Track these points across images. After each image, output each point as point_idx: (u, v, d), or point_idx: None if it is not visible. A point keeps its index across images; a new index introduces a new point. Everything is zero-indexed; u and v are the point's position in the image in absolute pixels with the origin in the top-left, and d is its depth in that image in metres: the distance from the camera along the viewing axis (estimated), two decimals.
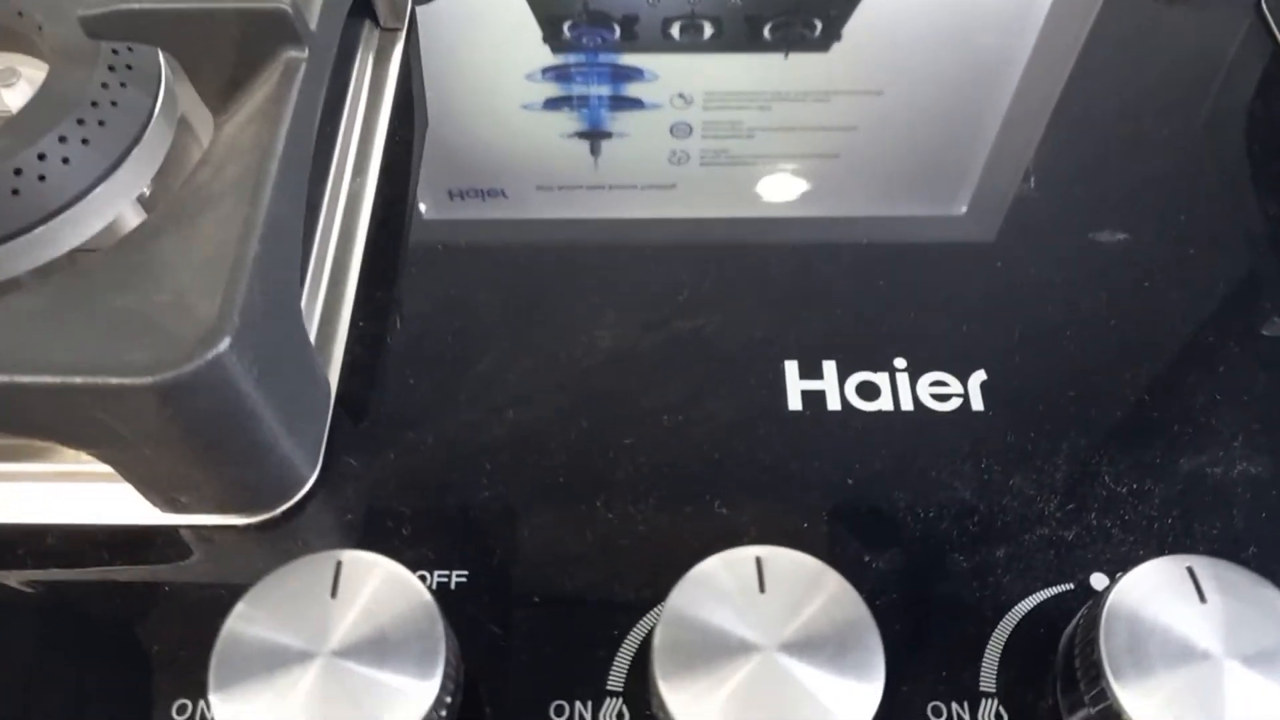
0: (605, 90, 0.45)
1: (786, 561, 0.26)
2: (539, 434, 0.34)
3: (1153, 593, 0.26)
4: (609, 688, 0.30)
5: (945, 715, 0.29)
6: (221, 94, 0.34)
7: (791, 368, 0.36)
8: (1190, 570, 0.26)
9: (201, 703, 0.29)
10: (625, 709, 0.29)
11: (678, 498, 0.33)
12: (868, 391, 0.35)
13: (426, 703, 0.24)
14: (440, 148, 0.43)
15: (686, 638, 0.25)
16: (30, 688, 0.30)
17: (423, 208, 0.41)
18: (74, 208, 0.33)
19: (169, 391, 0.27)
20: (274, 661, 0.25)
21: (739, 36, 0.47)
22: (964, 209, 0.41)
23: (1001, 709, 0.29)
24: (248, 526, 0.32)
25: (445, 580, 0.31)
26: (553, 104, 0.44)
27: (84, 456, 0.32)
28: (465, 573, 0.31)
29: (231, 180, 0.30)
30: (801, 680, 0.25)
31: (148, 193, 0.36)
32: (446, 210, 0.41)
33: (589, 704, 0.29)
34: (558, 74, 0.45)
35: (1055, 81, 0.45)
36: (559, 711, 0.29)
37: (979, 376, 0.36)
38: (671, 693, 0.25)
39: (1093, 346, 0.37)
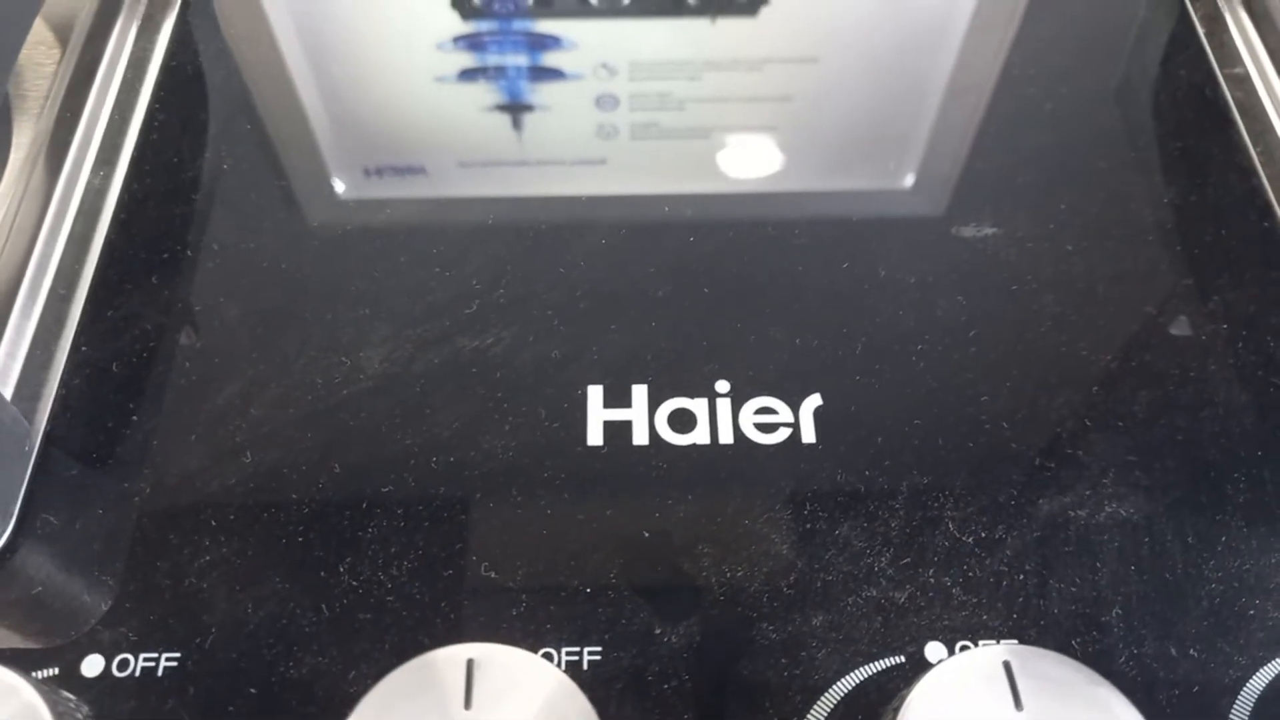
0: (523, 60, 0.41)
1: (501, 662, 0.21)
2: (280, 481, 0.29)
3: (958, 697, 0.21)
4: None
5: None
6: None
7: (595, 394, 0.31)
8: (1007, 666, 0.21)
9: None
10: None
11: (438, 560, 0.28)
12: (682, 421, 0.30)
13: None
14: (350, 122, 0.39)
15: None
16: None
17: (337, 185, 0.36)
18: None
19: None
20: None
21: (661, 1, 0.42)
22: (909, 183, 0.37)
23: None
24: None
25: (152, 664, 0.26)
26: (468, 75, 0.40)
27: None
28: (176, 655, 0.26)
29: None
30: None
31: None
32: (363, 189, 0.37)
33: None
34: (470, 43, 0.41)
35: (999, 47, 0.41)
36: None
37: (813, 402, 0.31)
38: None
39: (947, 362, 0.31)
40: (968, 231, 0.34)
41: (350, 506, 0.28)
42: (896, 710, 0.22)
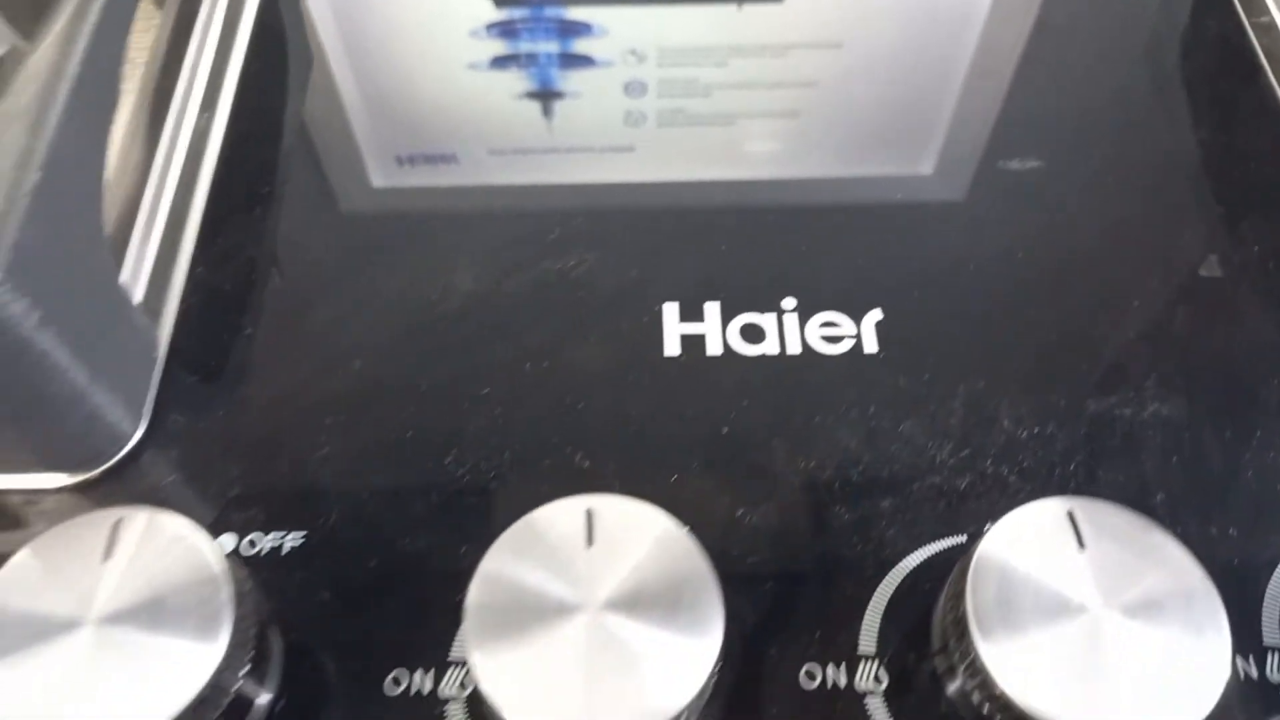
0: (554, 47, 0.42)
1: (618, 511, 0.23)
2: (387, 386, 0.31)
3: (1027, 540, 0.24)
4: (451, 658, 0.27)
5: (820, 679, 0.27)
6: (28, 18, 0.31)
7: (671, 310, 0.33)
8: (1070, 514, 0.24)
9: None
10: (468, 679, 0.27)
11: (536, 451, 0.30)
12: (752, 334, 0.33)
13: (209, 668, 0.22)
14: (384, 109, 0.40)
15: (500, 600, 0.22)
16: None
17: (371, 173, 0.38)
18: None
19: None
20: (37, 633, 0.22)
21: None
22: (930, 169, 0.38)
23: (881, 671, 0.27)
24: (63, 488, 0.29)
25: (278, 544, 0.28)
26: (500, 62, 0.41)
27: None
28: (302, 534, 0.29)
29: (19, 109, 0.27)
30: (626, 640, 0.22)
31: None
32: (396, 177, 0.38)
33: (430, 674, 0.27)
34: (503, 30, 0.42)
35: (1020, 30, 0.42)
36: (396, 682, 0.27)
37: (874, 316, 0.33)
38: (482, 661, 0.22)
39: (997, 282, 0.34)
40: (1014, 165, 0.37)
41: (452, 406, 0.31)
42: (970, 558, 0.24)
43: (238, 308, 0.33)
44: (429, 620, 0.27)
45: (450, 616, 0.27)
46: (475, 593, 0.23)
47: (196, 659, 0.22)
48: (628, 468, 0.30)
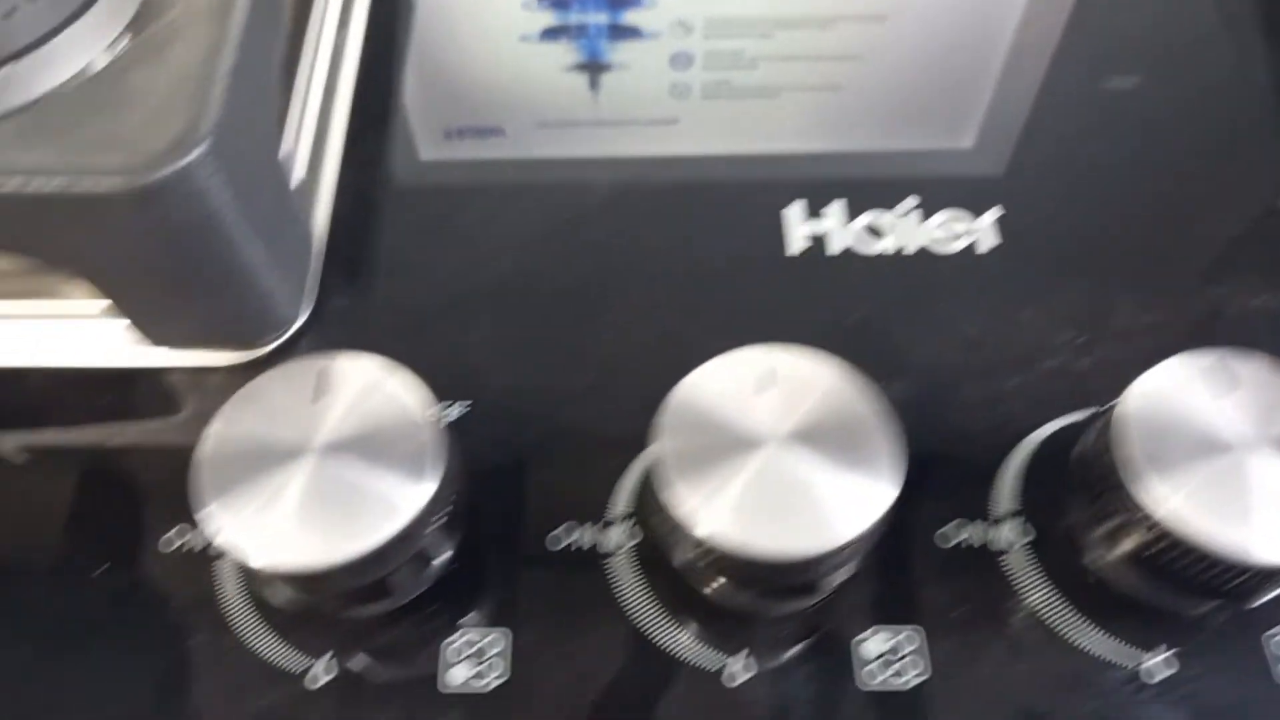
0: (604, 18, 0.42)
1: (797, 358, 0.25)
2: (535, 275, 0.33)
3: (1174, 387, 0.25)
4: (616, 512, 0.29)
5: (956, 540, 0.28)
6: None
7: (795, 209, 0.35)
8: (1218, 360, 0.25)
9: (187, 535, 0.28)
10: (634, 531, 0.28)
11: (677, 336, 0.32)
12: (875, 232, 0.34)
13: (421, 501, 0.23)
14: (436, 81, 0.40)
15: (687, 437, 0.24)
16: (15, 529, 0.29)
17: (420, 147, 0.38)
18: (41, 49, 0.32)
19: (139, 198, 0.25)
20: (260, 463, 0.24)
21: None
22: (970, 143, 0.38)
23: (1027, 524, 0.28)
24: (234, 367, 0.31)
25: (444, 412, 0.30)
26: (550, 34, 0.41)
27: (68, 296, 0.31)
28: (468, 402, 0.30)
29: (203, 8, 0.29)
30: (813, 475, 0.24)
31: (123, 41, 0.34)
32: (444, 150, 0.38)
33: (597, 528, 0.28)
34: (554, 0, 0.42)
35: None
36: (567, 533, 0.28)
37: (994, 213, 0.35)
38: (676, 497, 0.24)
39: (1115, 183, 0.35)
40: (1115, 83, 0.38)
41: (598, 296, 0.33)
42: (1108, 411, 0.25)
43: (384, 207, 0.35)
44: (589, 481, 0.29)
45: (612, 475, 0.29)
46: (662, 432, 0.24)
47: (410, 493, 0.23)
48: None
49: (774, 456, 0.24)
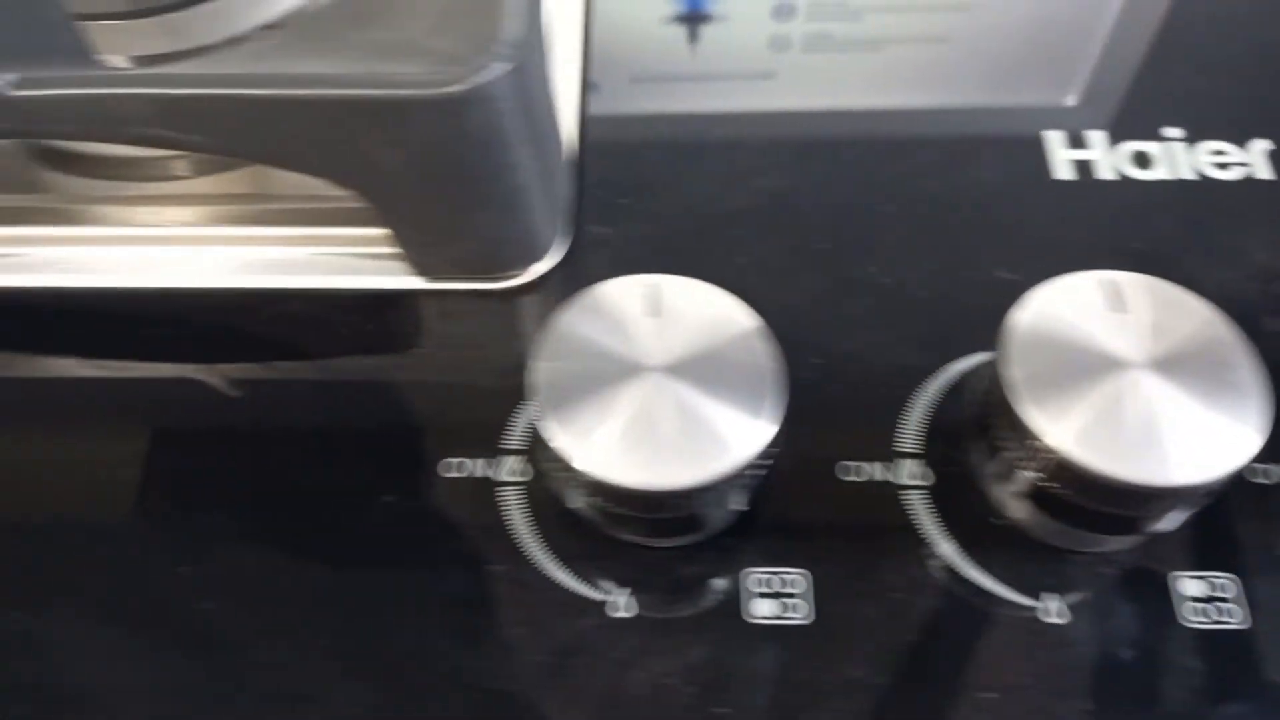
0: None
1: (1144, 283, 0.24)
2: (792, 201, 0.32)
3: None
4: (902, 450, 0.28)
5: None
6: None
7: (1055, 137, 0.33)
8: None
9: (472, 461, 0.28)
10: (923, 469, 0.27)
11: (952, 263, 0.31)
12: (1141, 161, 0.33)
13: (763, 440, 0.22)
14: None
15: (1038, 357, 0.23)
16: (289, 439, 0.28)
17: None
18: None
19: (455, 105, 0.25)
20: (597, 376, 0.23)
21: None
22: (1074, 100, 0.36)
23: None
24: (498, 292, 0.30)
25: None
26: None
27: (326, 222, 0.31)
28: None
29: None
30: (1171, 404, 0.22)
31: None
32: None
33: (880, 463, 0.28)
34: None
35: None
36: (851, 471, 0.27)
37: (1263, 145, 0.33)
38: (1031, 414, 0.23)
39: None
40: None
41: (862, 222, 0.31)
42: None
43: (633, 124, 0.34)
44: (876, 416, 0.28)
45: (894, 412, 0.28)
46: (1011, 350, 0.23)
47: (747, 431, 0.23)
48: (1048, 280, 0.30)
49: (1134, 382, 0.23)
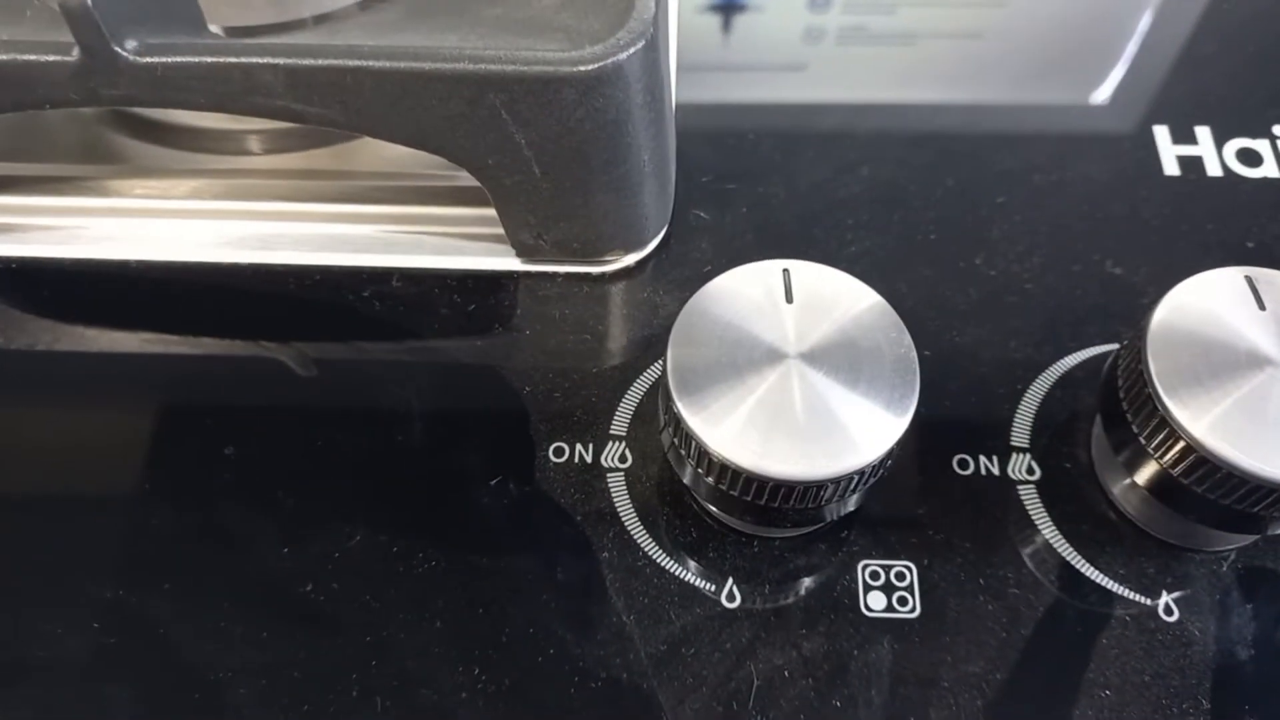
0: None
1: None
2: (899, 189, 0.32)
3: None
4: (1014, 443, 0.27)
5: None
6: None
7: (1161, 132, 0.33)
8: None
9: (578, 446, 0.27)
10: (1035, 464, 0.27)
11: (1062, 257, 0.30)
12: (1249, 158, 0.32)
13: (896, 434, 0.22)
14: None
15: (1181, 352, 0.23)
16: (396, 421, 0.28)
17: None
18: None
19: (587, 86, 0.24)
20: (738, 360, 0.22)
21: None
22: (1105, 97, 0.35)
23: None
24: (602, 275, 0.30)
25: None
26: None
27: (425, 202, 0.30)
28: None
29: None
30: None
31: None
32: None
33: (995, 458, 0.27)
34: None
35: None
36: (962, 465, 0.27)
37: None
38: (1176, 405, 0.22)
39: None
40: None
41: (972, 212, 0.31)
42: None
43: (730, 110, 0.33)
44: (990, 409, 0.28)
45: (1008, 405, 0.28)
46: (1156, 342, 0.23)
47: (892, 418, 0.22)
48: (1161, 276, 0.30)
49: (1276, 378, 0.22)
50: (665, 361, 0.23)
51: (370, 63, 0.24)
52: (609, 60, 0.24)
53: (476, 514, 0.27)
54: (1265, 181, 0.32)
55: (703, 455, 0.22)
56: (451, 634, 0.25)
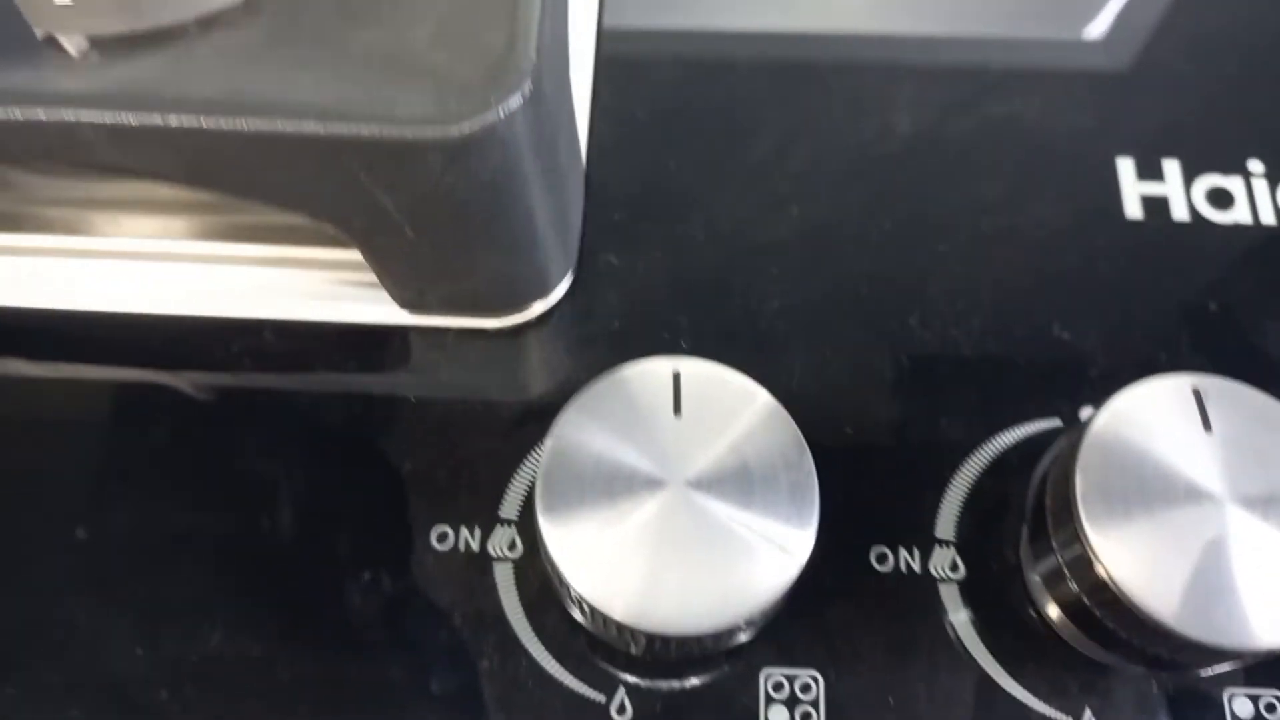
0: None
1: (1234, 398, 0.21)
2: (832, 234, 0.29)
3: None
4: (939, 535, 0.25)
5: None
6: None
7: (1125, 166, 0.30)
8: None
9: (464, 531, 0.25)
10: (958, 560, 0.25)
11: (1006, 317, 0.27)
12: (1220, 199, 0.29)
13: (804, 554, 0.20)
14: None
15: (1115, 477, 0.20)
16: (261, 499, 0.25)
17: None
18: None
19: (455, 151, 0.21)
20: (614, 485, 0.20)
21: None
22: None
23: None
24: (498, 331, 0.27)
25: None
26: None
27: (308, 242, 0.27)
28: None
29: None
30: (1262, 545, 0.20)
31: None
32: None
33: (915, 550, 0.25)
34: None
35: None
36: (881, 559, 0.25)
37: None
38: (1097, 534, 0.20)
39: None
40: None
41: (909, 263, 0.28)
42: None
43: (652, 136, 0.30)
44: (912, 495, 0.25)
45: (934, 491, 0.26)
46: (1087, 458, 0.20)
47: (792, 544, 0.20)
48: (1112, 342, 0.27)
49: (1215, 509, 0.20)
50: (535, 485, 0.20)
51: (203, 120, 0.21)
52: (479, 122, 0.20)
53: (347, 611, 0.24)
54: (1235, 229, 0.29)
55: (574, 596, 0.20)
56: None
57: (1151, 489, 0.20)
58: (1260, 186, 0.29)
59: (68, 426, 0.26)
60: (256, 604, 0.24)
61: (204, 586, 0.25)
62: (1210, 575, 0.20)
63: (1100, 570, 0.20)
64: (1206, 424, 0.21)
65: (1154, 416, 0.21)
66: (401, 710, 0.23)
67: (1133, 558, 0.20)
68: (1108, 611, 0.21)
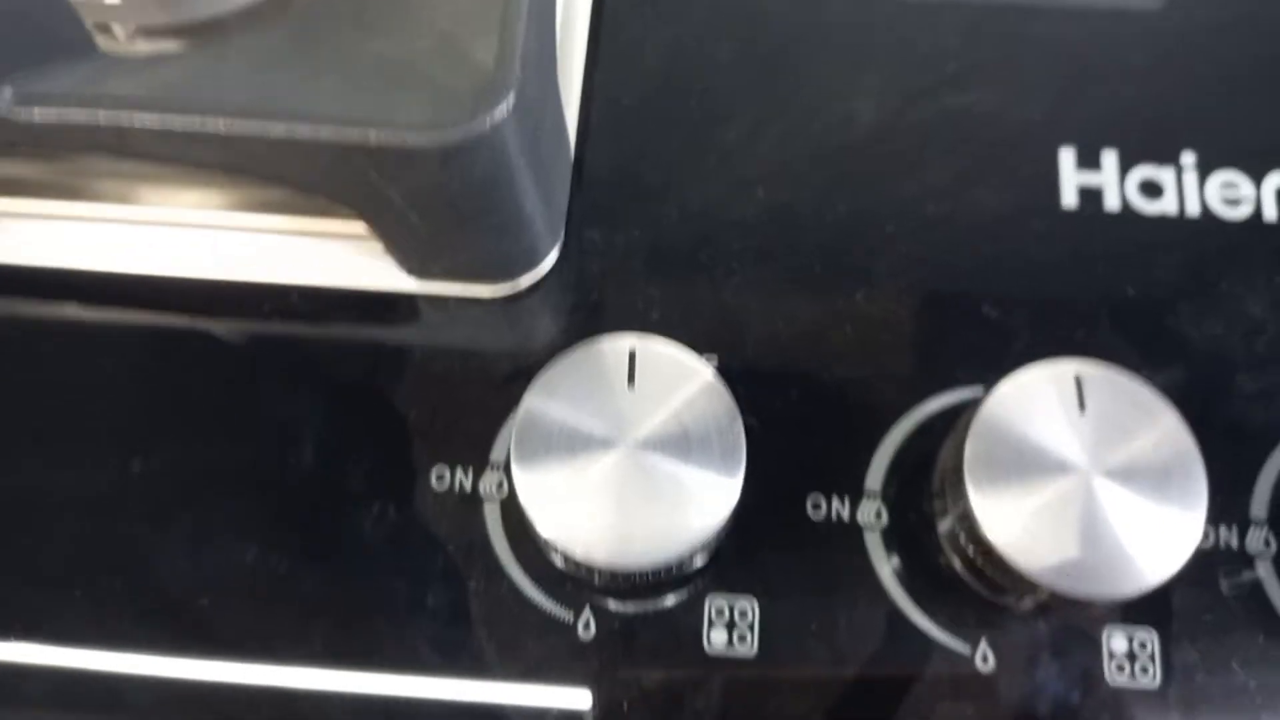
0: None
1: (1108, 383, 0.24)
2: (793, 214, 0.32)
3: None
4: (868, 487, 0.29)
5: None
6: None
7: (1067, 156, 0.33)
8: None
9: (459, 472, 0.29)
10: (884, 510, 0.29)
11: (943, 296, 0.31)
12: (1150, 190, 0.32)
13: (731, 502, 0.24)
14: None
15: (999, 450, 0.24)
16: (288, 438, 0.30)
17: None
18: None
19: (448, 155, 0.25)
20: (575, 445, 0.24)
21: None
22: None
23: None
24: (492, 299, 0.31)
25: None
26: None
27: (330, 215, 0.31)
28: (714, 357, 0.30)
29: None
30: (1121, 510, 0.23)
31: None
32: None
33: (846, 500, 0.29)
34: None
35: None
36: (815, 506, 0.29)
37: (1276, 180, 0.32)
38: (982, 501, 0.24)
39: None
40: None
41: (860, 242, 0.31)
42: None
43: (635, 121, 0.33)
44: (847, 450, 0.29)
45: (866, 448, 0.29)
46: (974, 442, 0.24)
47: (720, 491, 0.24)
48: (1035, 321, 0.30)
49: (1082, 485, 0.24)
50: (510, 447, 0.24)
51: (237, 124, 0.25)
52: (469, 131, 0.24)
53: (360, 537, 0.29)
54: (1160, 220, 0.32)
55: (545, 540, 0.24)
56: (330, 654, 0.28)
57: (1028, 461, 0.24)
58: (1189, 179, 0.32)
59: (126, 374, 0.31)
60: (284, 528, 0.29)
61: (239, 512, 0.29)
62: (1075, 536, 0.24)
63: (982, 531, 0.24)
64: (1082, 405, 0.24)
65: (1036, 398, 0.24)
66: (402, 621, 0.28)
67: (1009, 521, 0.24)
68: (990, 565, 0.24)
